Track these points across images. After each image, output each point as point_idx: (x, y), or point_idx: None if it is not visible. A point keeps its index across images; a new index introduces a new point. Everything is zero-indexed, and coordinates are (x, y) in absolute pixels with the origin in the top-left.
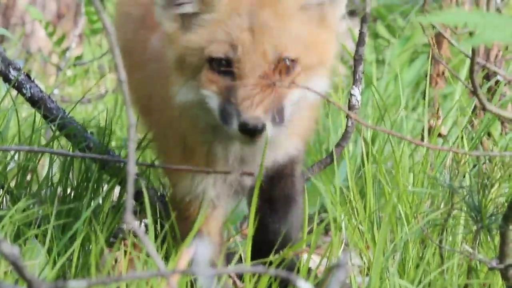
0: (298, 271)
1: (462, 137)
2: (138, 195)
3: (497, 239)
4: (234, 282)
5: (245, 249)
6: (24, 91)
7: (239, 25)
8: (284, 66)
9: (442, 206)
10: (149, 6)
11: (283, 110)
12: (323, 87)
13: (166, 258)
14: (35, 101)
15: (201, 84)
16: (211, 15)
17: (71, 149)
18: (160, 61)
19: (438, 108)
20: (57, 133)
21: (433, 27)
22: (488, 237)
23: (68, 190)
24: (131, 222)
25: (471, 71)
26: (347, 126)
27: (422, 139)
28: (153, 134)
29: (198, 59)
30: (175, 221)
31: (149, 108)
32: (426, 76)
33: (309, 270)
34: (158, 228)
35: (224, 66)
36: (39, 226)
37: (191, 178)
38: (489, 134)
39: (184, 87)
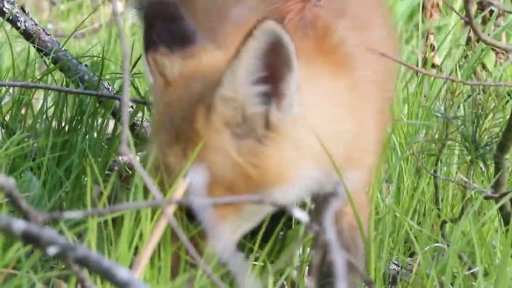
0: None
1: (456, 69)
2: (134, 128)
3: (491, 168)
4: None
5: None
6: (19, 24)
7: (154, 158)
8: None
9: (436, 136)
10: None
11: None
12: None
13: None
14: (30, 35)
15: None
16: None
17: (65, 82)
18: None
19: (431, 38)
20: (52, 66)
21: None
22: (483, 167)
23: (63, 124)
24: (126, 152)
25: (466, 1)
26: None
27: (417, 71)
28: None
29: None
30: None
31: None
32: (420, 8)
33: None
34: None
35: None
36: (34, 159)
37: None
38: (483, 66)
39: None
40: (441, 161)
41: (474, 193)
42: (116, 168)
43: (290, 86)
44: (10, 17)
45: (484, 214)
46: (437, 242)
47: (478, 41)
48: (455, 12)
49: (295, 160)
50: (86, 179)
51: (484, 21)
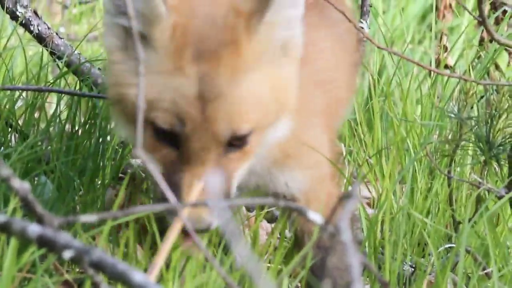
0: None
1: (469, 69)
2: None
3: (505, 169)
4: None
5: None
6: (32, 28)
7: (187, 90)
8: (238, 142)
9: (450, 137)
10: None
11: (230, 191)
12: (283, 131)
13: None
14: (43, 38)
15: (145, 147)
16: (155, 54)
17: (78, 85)
18: None
19: (444, 39)
20: (64, 69)
21: None
22: (496, 167)
23: (76, 127)
24: (141, 155)
25: (479, 1)
26: None
27: (430, 72)
28: None
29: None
30: None
31: None
32: (433, 9)
33: None
34: None
35: (170, 137)
36: (47, 163)
37: None
38: (496, 66)
39: (126, 129)
40: (454, 161)
41: (488, 194)
42: (129, 171)
43: None
44: (23, 21)
45: (499, 214)
46: (451, 243)
47: (491, 41)
48: (469, 12)
49: None
50: (99, 182)
51: (497, 22)
